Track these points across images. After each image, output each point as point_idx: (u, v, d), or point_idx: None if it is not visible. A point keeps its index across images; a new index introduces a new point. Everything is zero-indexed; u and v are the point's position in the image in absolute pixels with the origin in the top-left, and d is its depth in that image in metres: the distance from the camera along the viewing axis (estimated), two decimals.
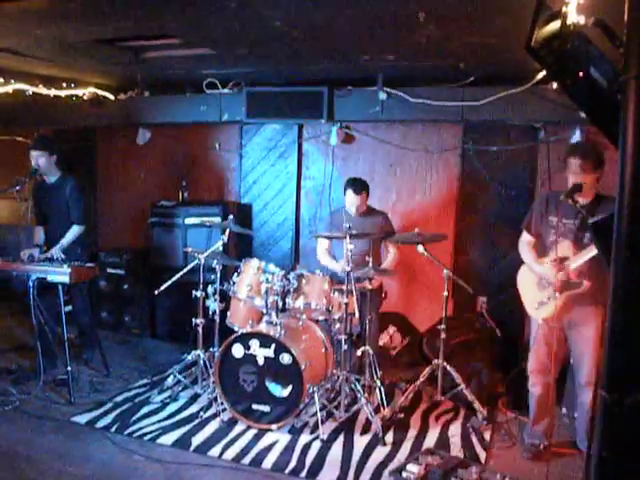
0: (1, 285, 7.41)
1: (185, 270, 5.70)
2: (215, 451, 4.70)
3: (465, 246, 6.81)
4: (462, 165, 6.77)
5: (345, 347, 5.22)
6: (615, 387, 1.82)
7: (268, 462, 4.56)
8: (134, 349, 7.15)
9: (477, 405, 5.27)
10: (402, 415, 5.37)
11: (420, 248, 5.38)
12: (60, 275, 5.38)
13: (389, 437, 4.99)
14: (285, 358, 4.94)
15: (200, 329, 5.66)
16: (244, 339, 5.07)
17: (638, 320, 1.81)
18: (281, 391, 5.01)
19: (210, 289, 5.63)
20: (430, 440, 4.99)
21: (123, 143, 8.27)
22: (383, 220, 5.94)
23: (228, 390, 5.13)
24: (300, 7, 4.06)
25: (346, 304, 5.17)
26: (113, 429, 5.00)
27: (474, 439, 5.00)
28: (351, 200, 5.77)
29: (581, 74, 2.20)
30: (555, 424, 4.85)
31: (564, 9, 2.18)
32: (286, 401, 4.99)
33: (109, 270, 7.62)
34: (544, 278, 4.46)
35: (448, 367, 5.45)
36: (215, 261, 5.61)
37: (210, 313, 5.65)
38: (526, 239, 4.76)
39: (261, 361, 5.02)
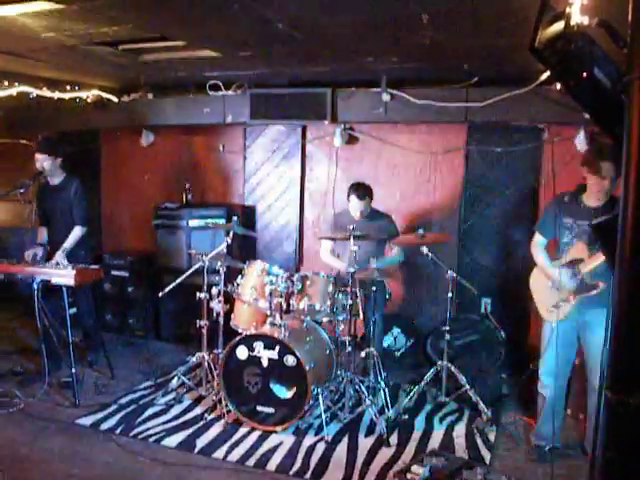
0: (6, 287, 7.42)
1: (189, 272, 5.69)
2: (220, 453, 4.70)
3: (469, 247, 6.80)
4: (466, 166, 6.76)
5: (349, 348, 5.21)
6: (619, 387, 1.82)
7: (273, 464, 4.56)
8: (138, 351, 7.16)
9: (482, 406, 5.26)
10: (406, 416, 5.37)
11: (424, 249, 5.38)
12: (64, 277, 5.38)
13: (393, 438, 4.99)
14: (289, 360, 4.94)
15: (204, 331, 5.67)
16: (248, 341, 5.07)
17: None
18: (285, 393, 5.01)
19: (214, 291, 5.63)
20: (435, 441, 4.99)
21: (127, 145, 8.28)
22: (387, 222, 5.95)
23: (232, 392, 5.13)
24: (303, 9, 4.06)
25: (350, 305, 5.17)
26: (118, 431, 5.01)
27: (479, 440, 4.99)
28: (355, 205, 5.78)
29: (585, 75, 2.20)
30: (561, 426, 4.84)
31: (568, 10, 2.17)
32: (290, 403, 4.98)
33: (113, 272, 7.62)
34: (558, 281, 4.43)
35: (452, 368, 5.45)
36: (219, 263, 5.61)
37: (214, 315, 5.65)
38: (539, 241, 4.71)
39: (265, 363, 5.02)
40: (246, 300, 5.48)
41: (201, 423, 5.18)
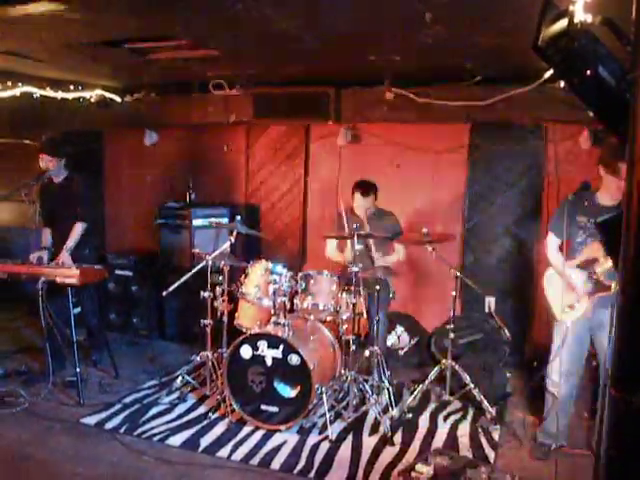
0: (10, 287, 7.43)
1: (193, 271, 5.68)
2: (224, 452, 4.71)
3: (473, 246, 6.80)
4: (469, 165, 6.75)
5: (353, 347, 5.21)
6: (623, 386, 1.82)
7: (277, 463, 4.56)
8: (143, 350, 7.17)
9: (486, 405, 5.26)
10: (410, 415, 5.37)
11: (428, 248, 5.38)
12: (69, 277, 5.40)
13: (397, 437, 4.99)
14: (293, 359, 4.94)
15: (208, 330, 5.67)
16: (252, 340, 5.07)
17: None
18: (289, 392, 5.01)
19: (218, 290, 5.63)
20: (439, 440, 4.98)
21: (130, 145, 8.29)
22: (391, 220, 5.95)
23: (236, 391, 5.13)
24: (306, 9, 4.07)
25: (354, 304, 5.18)
26: (122, 430, 5.02)
27: (483, 439, 4.99)
28: (359, 203, 5.78)
29: (588, 73, 2.19)
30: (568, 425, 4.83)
31: (571, 7, 2.17)
32: (294, 402, 4.98)
33: (117, 272, 7.63)
34: (573, 281, 4.40)
35: (456, 367, 5.45)
36: (223, 262, 5.61)
37: (218, 314, 5.65)
38: (553, 241, 4.65)
39: (269, 362, 5.02)
40: (250, 299, 5.48)
41: (205, 422, 5.18)
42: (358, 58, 5.60)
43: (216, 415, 5.29)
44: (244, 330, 5.43)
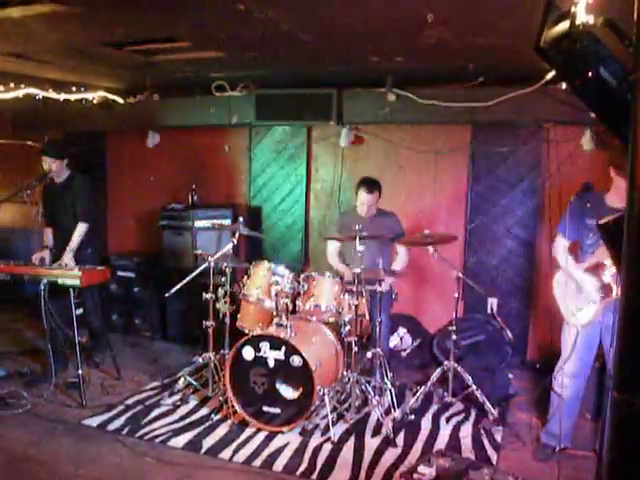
0: (12, 289, 7.44)
1: (195, 273, 5.68)
2: (226, 453, 4.71)
3: (475, 247, 6.79)
4: (471, 166, 6.75)
5: (355, 349, 5.20)
6: (625, 388, 1.81)
7: (279, 464, 4.56)
8: (145, 352, 7.17)
9: (488, 406, 5.25)
10: (413, 417, 5.36)
11: (430, 249, 5.37)
12: (71, 278, 5.40)
13: (400, 439, 4.99)
14: (295, 360, 4.94)
15: (210, 331, 5.66)
16: (254, 341, 5.07)
17: None
18: (292, 393, 5.01)
19: (220, 291, 5.63)
20: (441, 442, 4.98)
21: (133, 146, 8.30)
22: (393, 221, 5.95)
23: (239, 392, 5.13)
24: (308, 10, 4.07)
25: (356, 306, 5.17)
26: (124, 432, 5.02)
27: (485, 440, 4.98)
28: (363, 199, 5.77)
29: (590, 74, 2.19)
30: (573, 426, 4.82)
31: (573, 9, 2.17)
32: (297, 403, 4.98)
33: (119, 273, 7.64)
34: (583, 285, 4.36)
35: (459, 368, 5.44)
36: (225, 263, 5.61)
37: (220, 315, 5.65)
38: (561, 243, 4.59)
39: (272, 363, 5.02)
40: (252, 301, 5.48)
41: (207, 424, 5.19)
42: (360, 59, 5.60)
43: (218, 417, 5.29)
44: (246, 331, 5.44)
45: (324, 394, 5.00)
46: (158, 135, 7.99)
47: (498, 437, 5.04)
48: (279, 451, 4.76)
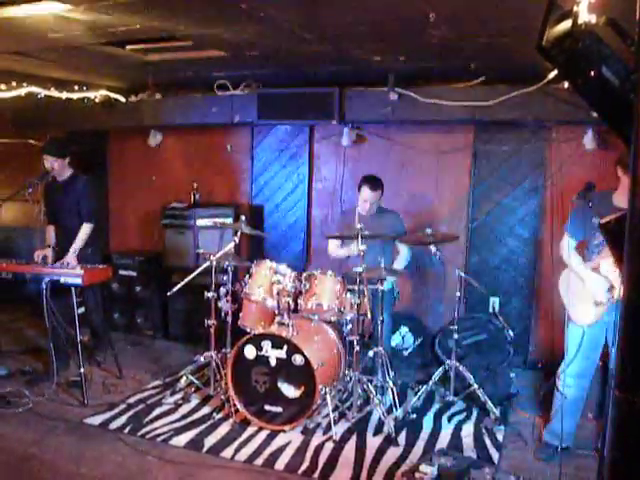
0: (14, 287, 7.44)
1: (197, 272, 5.68)
2: (228, 452, 4.71)
3: (477, 246, 6.79)
4: (473, 165, 6.74)
5: (357, 348, 5.20)
6: (626, 387, 1.81)
7: (281, 463, 4.57)
8: (147, 351, 7.18)
9: (490, 405, 5.25)
10: (414, 416, 5.36)
11: (432, 248, 5.37)
12: (73, 277, 5.41)
13: (402, 438, 4.99)
14: (297, 359, 4.94)
15: (212, 330, 5.67)
16: (256, 340, 5.08)
17: None
18: (294, 392, 5.01)
19: (222, 290, 5.64)
20: (443, 441, 4.98)
21: (135, 145, 8.30)
22: (395, 220, 5.94)
23: (240, 391, 5.14)
24: (311, 9, 4.07)
25: (358, 305, 5.17)
26: (126, 430, 5.03)
27: (487, 440, 4.98)
28: (366, 196, 5.76)
29: (593, 73, 2.19)
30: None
31: (575, 8, 2.17)
32: (298, 402, 4.99)
33: (121, 272, 7.64)
34: (589, 284, 4.34)
35: (461, 367, 5.44)
36: (227, 262, 5.61)
37: (222, 314, 5.66)
38: (568, 243, 4.56)
39: (273, 362, 5.02)
40: (254, 299, 5.48)
41: (209, 422, 5.19)
42: (362, 58, 5.59)
43: (220, 415, 5.30)
44: (248, 330, 5.44)
45: (326, 393, 5.01)
46: (160, 134, 8.00)
47: (500, 436, 5.04)
48: (281, 450, 4.76)
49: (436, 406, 5.61)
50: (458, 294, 5.48)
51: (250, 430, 5.06)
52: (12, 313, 8.11)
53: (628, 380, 1.82)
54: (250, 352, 5.08)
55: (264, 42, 5.06)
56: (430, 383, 5.53)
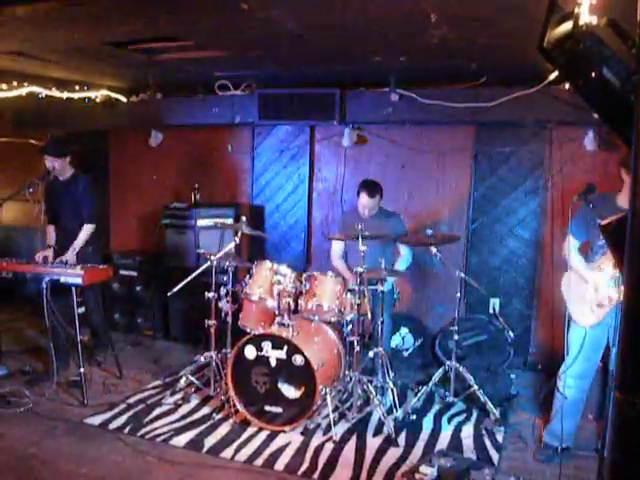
0: (14, 287, 7.45)
1: (197, 272, 5.68)
2: (228, 452, 4.71)
3: (477, 247, 6.79)
4: (474, 166, 6.74)
5: (357, 348, 5.20)
6: (627, 388, 1.81)
7: (281, 463, 4.57)
8: (147, 351, 7.18)
9: (490, 406, 5.25)
10: (414, 416, 5.36)
11: (433, 249, 5.37)
12: (73, 277, 5.41)
13: (402, 438, 4.99)
14: (297, 359, 4.94)
15: (212, 330, 5.67)
16: (256, 341, 5.08)
17: None
18: (294, 392, 5.01)
19: (222, 291, 5.63)
20: (443, 442, 4.98)
21: (136, 145, 8.30)
22: (396, 221, 5.94)
23: (240, 391, 5.13)
24: (312, 9, 4.07)
25: (358, 305, 5.17)
26: (126, 430, 5.02)
27: (487, 441, 4.98)
28: (364, 203, 5.77)
29: (593, 74, 2.19)
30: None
31: (576, 10, 2.17)
32: (299, 402, 4.98)
33: (122, 272, 7.64)
34: (593, 285, 4.34)
35: (461, 368, 5.44)
36: (227, 263, 5.61)
37: (222, 315, 5.66)
38: (572, 244, 4.53)
39: (273, 362, 5.02)
40: (254, 300, 5.48)
41: (209, 423, 5.19)
42: (363, 59, 5.59)
43: (220, 416, 5.30)
44: (248, 331, 5.43)
45: (326, 393, 5.01)
46: (161, 134, 7.99)
47: (500, 437, 5.04)
48: (281, 450, 4.76)
49: (436, 407, 5.61)
50: (458, 295, 5.48)
51: (250, 430, 5.06)
52: (12, 313, 8.10)
53: (628, 381, 1.81)
54: (250, 352, 5.08)
55: (265, 42, 5.06)
56: (430, 384, 5.53)
